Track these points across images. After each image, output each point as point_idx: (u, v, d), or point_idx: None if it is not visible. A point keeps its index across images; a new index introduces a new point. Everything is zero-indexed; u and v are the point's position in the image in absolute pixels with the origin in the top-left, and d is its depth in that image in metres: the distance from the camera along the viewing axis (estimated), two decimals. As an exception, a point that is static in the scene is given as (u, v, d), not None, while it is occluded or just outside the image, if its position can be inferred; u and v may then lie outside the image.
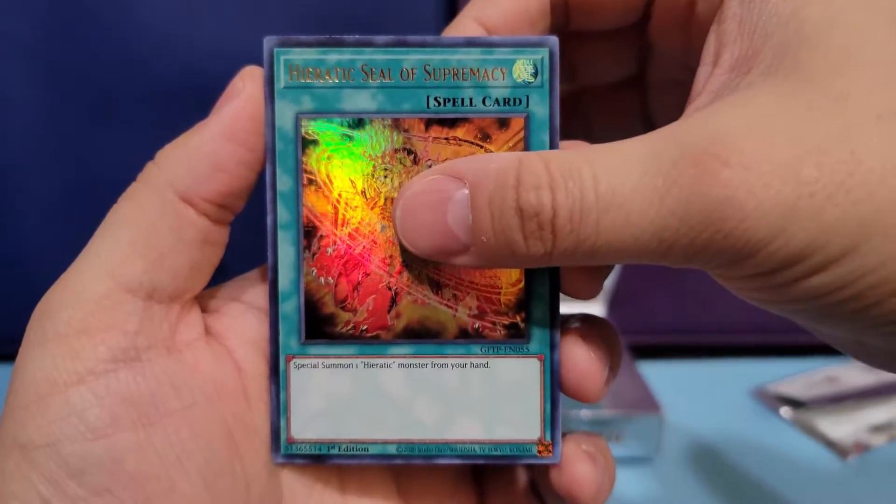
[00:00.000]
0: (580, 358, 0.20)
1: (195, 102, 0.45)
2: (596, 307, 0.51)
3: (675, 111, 0.24)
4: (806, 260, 0.16)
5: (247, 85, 0.20)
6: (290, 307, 0.20)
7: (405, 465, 0.22)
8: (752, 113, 0.17)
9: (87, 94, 0.45)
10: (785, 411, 0.45)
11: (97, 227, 0.20)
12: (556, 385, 0.21)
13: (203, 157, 0.19)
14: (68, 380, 0.18)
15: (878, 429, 0.44)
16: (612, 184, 0.17)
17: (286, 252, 0.20)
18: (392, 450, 0.20)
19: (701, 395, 0.47)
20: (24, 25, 0.44)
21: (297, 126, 0.20)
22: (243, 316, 0.21)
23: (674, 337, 0.51)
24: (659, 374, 0.47)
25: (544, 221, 0.17)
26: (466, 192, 0.18)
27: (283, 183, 0.20)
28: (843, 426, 0.44)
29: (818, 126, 0.16)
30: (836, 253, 0.16)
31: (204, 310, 0.21)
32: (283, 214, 0.20)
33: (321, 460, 0.21)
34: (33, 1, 0.43)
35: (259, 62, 0.20)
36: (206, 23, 0.44)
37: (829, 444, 0.43)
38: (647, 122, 0.26)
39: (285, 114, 0.20)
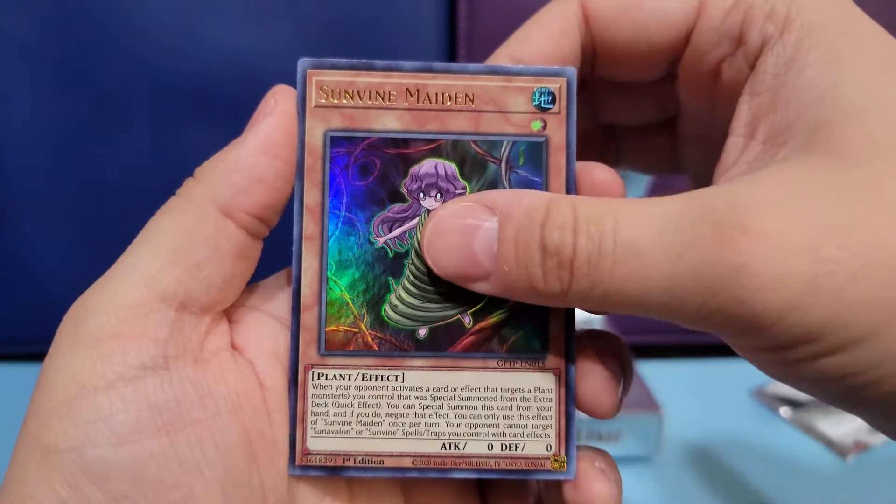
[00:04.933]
0: (597, 375, 0.21)
1: (195, 102, 0.45)
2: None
3: (700, 161, 0.24)
4: (824, 338, 0.16)
5: (279, 102, 0.21)
6: (311, 318, 0.21)
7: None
8: (780, 184, 0.17)
9: (87, 94, 0.45)
10: (784, 411, 0.46)
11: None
12: (571, 400, 0.21)
13: (242, 170, 0.20)
14: (97, 384, 0.18)
15: (877, 428, 0.44)
16: (632, 235, 0.17)
17: (310, 263, 0.21)
18: (407, 462, 0.21)
19: (701, 395, 0.47)
20: (25, 25, 0.44)
21: (326, 143, 0.21)
22: (263, 326, 0.21)
23: (674, 337, 0.51)
24: (659, 374, 0.47)
25: (564, 261, 0.18)
26: (496, 222, 0.19)
27: (311, 197, 0.21)
28: (842, 426, 0.44)
29: (844, 206, 0.16)
30: (856, 334, 0.16)
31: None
32: (309, 227, 0.21)
33: (336, 472, 0.21)
34: (34, 1, 0.43)
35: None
36: (207, 22, 0.44)
37: (829, 444, 0.43)
38: (673, 165, 0.26)
39: (315, 131, 0.21)
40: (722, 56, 0.21)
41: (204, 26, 0.44)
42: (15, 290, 0.48)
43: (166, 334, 0.19)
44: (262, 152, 0.20)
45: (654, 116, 0.26)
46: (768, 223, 0.16)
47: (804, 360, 0.17)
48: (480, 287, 0.20)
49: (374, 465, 0.21)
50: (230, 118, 0.47)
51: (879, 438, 0.43)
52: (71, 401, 0.18)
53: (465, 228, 0.19)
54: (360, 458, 0.21)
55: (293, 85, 0.21)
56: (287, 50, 0.44)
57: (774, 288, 0.16)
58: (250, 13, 0.44)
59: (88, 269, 0.48)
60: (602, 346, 0.21)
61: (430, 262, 0.20)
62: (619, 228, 0.17)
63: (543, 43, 0.22)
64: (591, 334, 0.22)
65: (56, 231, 0.46)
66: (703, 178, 0.24)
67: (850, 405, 0.18)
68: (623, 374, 0.21)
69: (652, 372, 0.47)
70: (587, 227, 0.18)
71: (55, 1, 0.43)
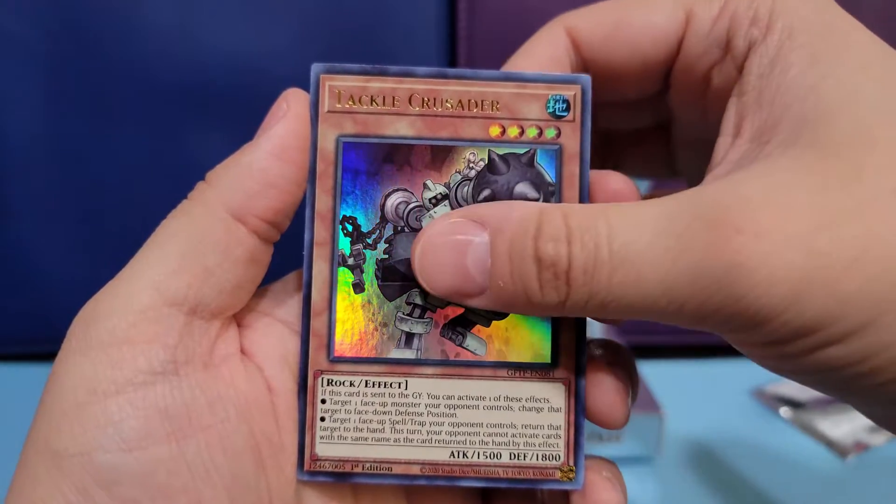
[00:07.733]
0: (608, 387, 0.21)
1: (196, 103, 0.45)
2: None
3: (696, 165, 0.24)
4: (821, 331, 0.16)
5: (291, 106, 0.20)
6: (321, 324, 0.21)
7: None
8: (769, 183, 0.17)
9: (87, 95, 0.45)
10: (784, 411, 0.46)
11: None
12: (580, 410, 0.21)
13: (255, 174, 0.20)
14: (108, 389, 0.18)
15: (877, 428, 0.44)
16: (627, 241, 0.17)
17: (320, 269, 0.21)
18: (416, 470, 0.21)
19: (701, 395, 0.47)
20: (24, 25, 0.44)
21: (338, 149, 0.21)
22: (272, 331, 0.21)
23: (674, 337, 0.51)
24: (659, 374, 0.47)
25: (560, 272, 0.18)
26: (487, 237, 0.19)
27: (322, 202, 0.21)
28: (842, 426, 0.44)
29: (834, 200, 0.16)
30: (852, 326, 0.16)
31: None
32: (320, 232, 0.21)
33: (345, 478, 0.21)
34: (34, 1, 0.43)
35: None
36: (207, 23, 0.44)
37: (829, 444, 0.43)
38: (670, 170, 0.27)
39: (328, 136, 0.21)
40: (711, 63, 0.21)
41: (204, 27, 0.44)
42: (15, 290, 0.48)
43: (176, 339, 0.19)
44: (275, 156, 0.20)
45: (648, 123, 0.26)
46: (761, 220, 0.16)
47: (802, 352, 0.17)
48: (476, 302, 0.19)
49: (382, 472, 0.21)
50: (231, 118, 0.47)
51: (879, 438, 0.43)
52: (81, 405, 0.18)
53: (455, 245, 0.19)
54: (368, 465, 0.21)
55: (297, 85, 0.21)
56: (288, 50, 0.44)
57: (770, 284, 0.16)
58: (250, 13, 0.44)
59: (88, 269, 0.48)
60: (610, 357, 0.21)
61: (422, 282, 0.20)
62: (613, 236, 0.17)
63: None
64: (598, 344, 0.22)
65: (56, 231, 0.46)
66: (699, 181, 0.25)
67: (847, 395, 0.18)
68: (632, 385, 0.21)
69: (652, 372, 0.47)
70: (580, 235, 0.17)
71: (55, 1, 0.43)
